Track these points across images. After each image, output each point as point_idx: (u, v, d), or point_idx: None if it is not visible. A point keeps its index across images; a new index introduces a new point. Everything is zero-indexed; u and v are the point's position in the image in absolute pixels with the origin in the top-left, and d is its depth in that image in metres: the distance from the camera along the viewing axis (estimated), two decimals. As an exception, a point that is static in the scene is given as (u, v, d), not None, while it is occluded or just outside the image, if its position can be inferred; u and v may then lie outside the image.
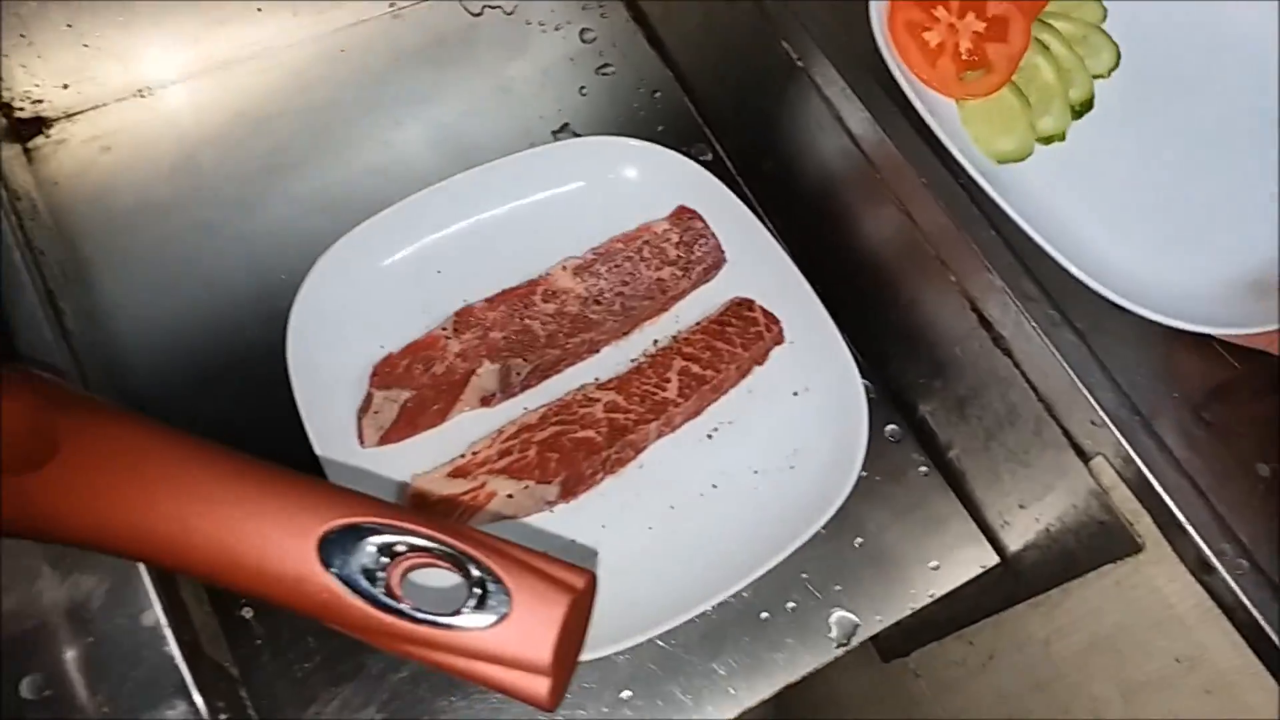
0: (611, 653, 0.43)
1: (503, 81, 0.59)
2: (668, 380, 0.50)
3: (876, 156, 0.47)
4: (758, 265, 0.53)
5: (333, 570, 0.23)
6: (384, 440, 0.47)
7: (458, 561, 0.25)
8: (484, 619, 0.24)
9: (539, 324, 0.50)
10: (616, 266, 0.52)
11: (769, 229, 0.53)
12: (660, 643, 0.46)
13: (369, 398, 0.47)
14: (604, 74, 0.60)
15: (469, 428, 0.48)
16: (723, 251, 0.53)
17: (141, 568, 0.33)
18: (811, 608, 0.48)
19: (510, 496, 0.46)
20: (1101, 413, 0.42)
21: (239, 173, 0.54)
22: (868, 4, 0.49)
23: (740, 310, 0.52)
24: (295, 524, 0.24)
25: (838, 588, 0.48)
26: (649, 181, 0.54)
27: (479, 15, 0.61)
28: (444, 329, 0.49)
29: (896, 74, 0.47)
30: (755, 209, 0.53)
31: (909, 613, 0.49)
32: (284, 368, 0.46)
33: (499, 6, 0.61)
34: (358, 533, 0.24)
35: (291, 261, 0.50)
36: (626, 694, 0.45)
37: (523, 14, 0.61)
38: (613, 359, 0.51)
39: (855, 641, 0.48)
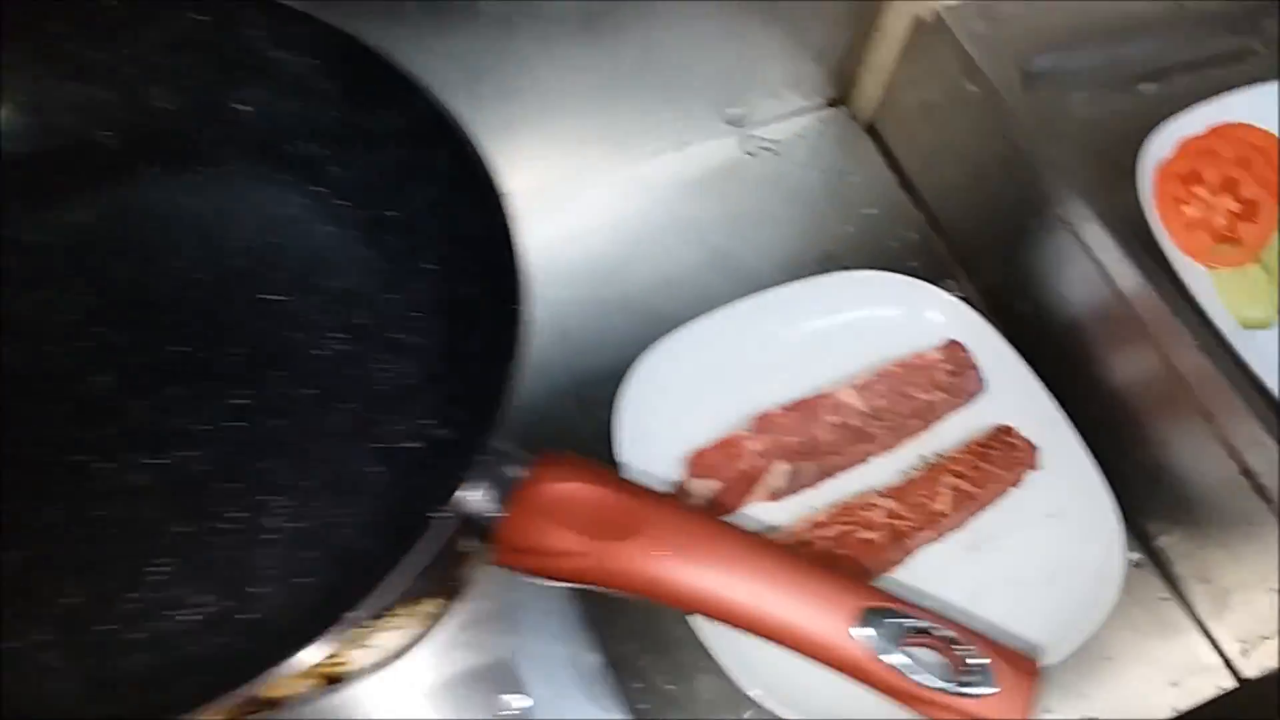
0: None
1: (773, 213, 0.68)
2: (938, 493, 0.56)
3: (1144, 311, 0.54)
4: (1013, 394, 0.59)
5: (862, 640, 0.30)
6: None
7: (948, 642, 0.32)
8: (978, 691, 0.30)
9: (824, 432, 0.57)
10: (893, 388, 0.59)
11: (1023, 361, 0.60)
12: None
13: (684, 485, 0.54)
14: (863, 213, 0.68)
15: (751, 520, 0.55)
16: (982, 380, 0.60)
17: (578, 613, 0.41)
18: (1065, 715, 0.53)
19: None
20: (1363, 563, 0.47)
21: (561, 277, 0.62)
22: (1135, 178, 0.56)
23: (1002, 436, 0.58)
24: (832, 603, 0.31)
25: (1087, 698, 0.53)
26: (915, 313, 0.61)
27: (753, 155, 0.70)
28: (746, 430, 0.56)
29: (1159, 238, 0.54)
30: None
31: (1150, 727, 0.54)
32: (595, 453, 0.53)
33: (770, 149, 0.70)
34: (880, 614, 0.31)
35: (603, 358, 0.58)
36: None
37: (790, 156, 0.70)
38: (879, 468, 0.58)
39: (1101, 749, 0.53)
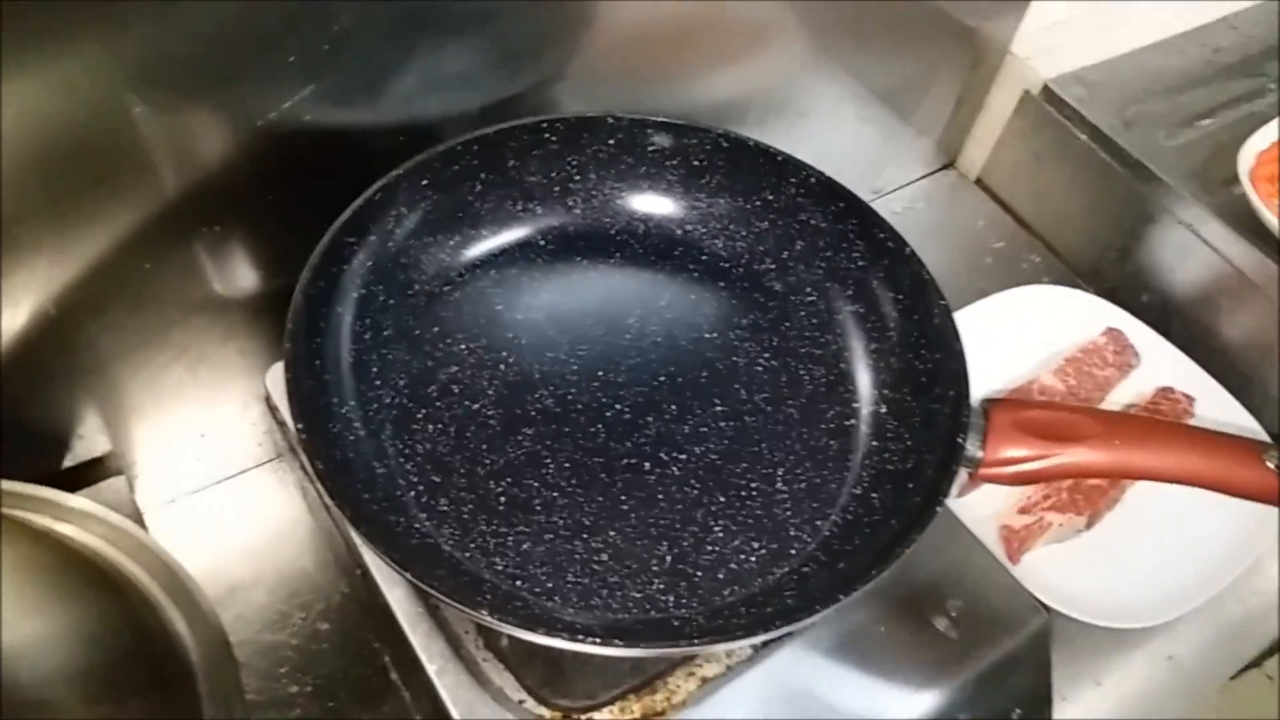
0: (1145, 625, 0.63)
1: (926, 256, 0.83)
2: (1133, 442, 0.71)
3: (1261, 278, 0.71)
4: (1161, 361, 0.76)
5: (1272, 468, 0.45)
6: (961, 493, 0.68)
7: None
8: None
9: (1039, 410, 0.72)
10: (1079, 370, 0.74)
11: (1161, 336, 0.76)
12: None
13: (958, 462, 0.68)
14: (993, 247, 0.85)
15: (1000, 485, 0.70)
16: (1138, 355, 0.76)
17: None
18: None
19: (1061, 525, 0.67)
20: None
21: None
22: (1222, 188, 0.74)
23: (1165, 394, 0.74)
24: (1241, 452, 0.45)
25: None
26: (1073, 312, 0.78)
27: (900, 213, 0.86)
28: (982, 416, 0.71)
29: (1267, 222, 0.71)
30: (1140, 325, 0.77)
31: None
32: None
33: (911, 208, 0.87)
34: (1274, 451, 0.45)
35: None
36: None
37: (927, 211, 0.87)
38: (1077, 434, 0.73)
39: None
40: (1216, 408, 0.74)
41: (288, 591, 0.60)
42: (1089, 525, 0.68)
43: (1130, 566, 0.67)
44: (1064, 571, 0.65)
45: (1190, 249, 0.75)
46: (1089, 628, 0.63)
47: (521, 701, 0.46)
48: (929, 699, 0.50)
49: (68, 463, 0.56)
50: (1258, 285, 0.72)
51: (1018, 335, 0.77)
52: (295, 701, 0.57)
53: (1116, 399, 0.75)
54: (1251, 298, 0.73)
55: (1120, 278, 0.82)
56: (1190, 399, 0.74)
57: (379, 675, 0.57)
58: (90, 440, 0.56)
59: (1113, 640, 0.65)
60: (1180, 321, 0.78)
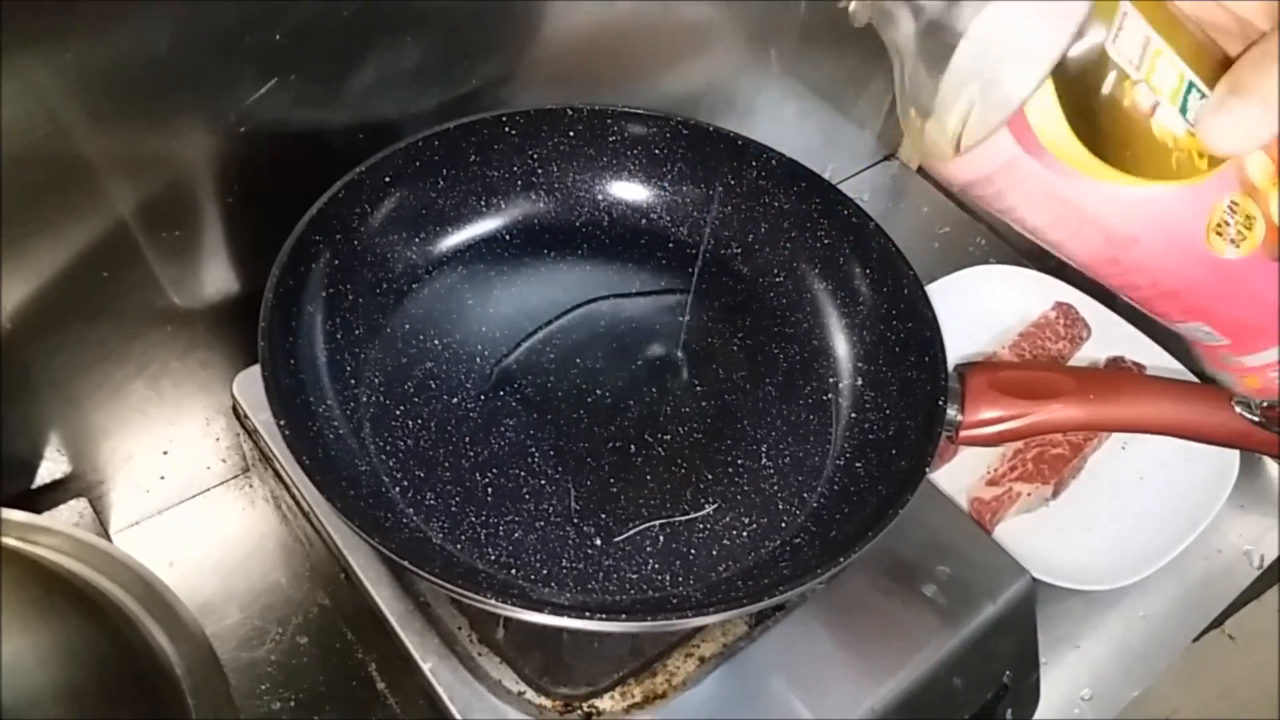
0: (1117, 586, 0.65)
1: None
2: (1091, 411, 0.73)
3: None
4: (1110, 332, 0.78)
5: (1240, 412, 0.46)
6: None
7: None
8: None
9: (998, 384, 0.74)
10: (1034, 344, 0.76)
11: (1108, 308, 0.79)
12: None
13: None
14: (939, 231, 0.87)
15: (971, 455, 0.71)
16: (1089, 327, 0.79)
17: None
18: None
19: (1029, 495, 0.69)
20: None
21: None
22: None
23: (1118, 362, 0.76)
24: (1211, 398, 0.46)
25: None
26: (1023, 289, 0.80)
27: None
28: (945, 393, 0.72)
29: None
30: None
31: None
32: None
33: (860, 199, 0.88)
34: (1241, 399, 0.46)
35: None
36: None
37: (875, 201, 0.89)
38: (1036, 407, 0.75)
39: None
40: (1165, 373, 0.76)
41: (262, 607, 0.58)
42: (1055, 494, 0.70)
43: (1098, 531, 0.69)
44: (1035, 540, 0.67)
45: (1129, 222, 0.78)
46: (1063, 593, 0.64)
47: (521, 693, 0.45)
48: (922, 665, 0.50)
49: (25, 488, 0.53)
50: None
51: (970, 315, 0.79)
52: (279, 718, 0.55)
53: (1070, 371, 0.77)
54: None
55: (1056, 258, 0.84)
56: (1141, 366, 0.76)
57: (364, 686, 0.56)
58: (48, 463, 0.54)
59: (1087, 603, 0.66)
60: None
